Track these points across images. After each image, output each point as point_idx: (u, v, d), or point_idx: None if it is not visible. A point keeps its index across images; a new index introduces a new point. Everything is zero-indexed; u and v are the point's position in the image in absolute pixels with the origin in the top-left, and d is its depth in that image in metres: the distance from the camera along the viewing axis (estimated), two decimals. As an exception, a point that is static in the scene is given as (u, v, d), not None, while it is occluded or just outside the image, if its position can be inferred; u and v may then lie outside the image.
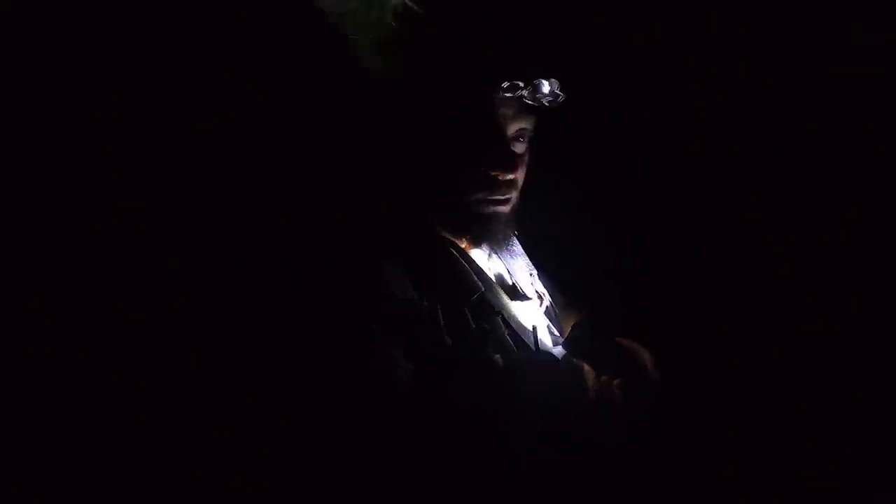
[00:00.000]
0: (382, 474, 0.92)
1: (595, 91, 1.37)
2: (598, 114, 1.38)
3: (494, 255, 1.15)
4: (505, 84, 0.98)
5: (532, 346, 1.05)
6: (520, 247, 1.22)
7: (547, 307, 1.18)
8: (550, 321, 1.17)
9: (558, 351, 1.09)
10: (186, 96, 1.28)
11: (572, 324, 1.12)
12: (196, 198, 1.26)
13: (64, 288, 1.22)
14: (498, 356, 1.00)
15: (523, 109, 1.03)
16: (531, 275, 1.20)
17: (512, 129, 1.04)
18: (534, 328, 1.06)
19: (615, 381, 1.01)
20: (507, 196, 1.06)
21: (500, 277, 1.14)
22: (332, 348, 0.94)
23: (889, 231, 1.40)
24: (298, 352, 0.95)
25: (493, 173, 1.03)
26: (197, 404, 1.16)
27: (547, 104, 1.03)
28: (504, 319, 1.05)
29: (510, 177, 1.04)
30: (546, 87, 1.01)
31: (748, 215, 1.39)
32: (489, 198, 1.05)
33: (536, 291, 1.18)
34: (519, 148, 1.06)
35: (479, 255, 1.12)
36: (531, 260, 1.22)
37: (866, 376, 1.37)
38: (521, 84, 0.99)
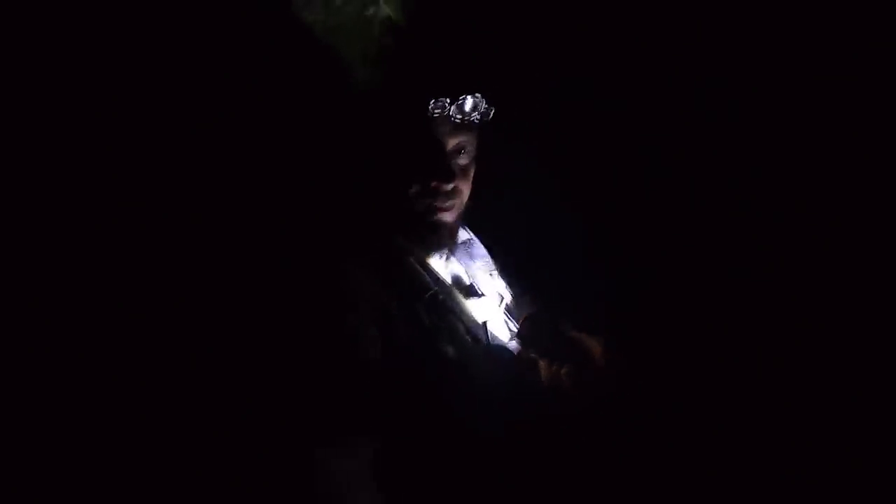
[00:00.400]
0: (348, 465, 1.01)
1: (553, 95, 1.46)
2: (554, 115, 1.46)
3: (452, 258, 1.24)
4: (432, 102, 1.09)
5: (484, 339, 1.14)
6: (480, 248, 1.31)
7: (507, 305, 1.26)
8: (510, 317, 1.25)
9: (513, 345, 1.18)
10: (168, 103, 1.34)
11: (522, 318, 1.20)
12: (172, 201, 1.33)
13: (59, 287, 1.28)
14: (452, 349, 1.10)
15: (459, 126, 1.13)
16: (491, 274, 1.29)
17: (451, 143, 1.14)
18: (484, 323, 1.15)
19: (563, 370, 1.10)
20: (449, 203, 1.16)
21: (457, 278, 1.23)
22: (302, 338, 1.05)
23: (886, 231, 1.44)
24: (271, 341, 1.06)
25: (433, 185, 1.13)
26: (175, 401, 1.24)
27: (478, 120, 1.14)
28: (458, 317, 1.14)
29: (448, 187, 1.14)
30: (469, 104, 1.12)
31: (698, 204, 1.45)
32: (433, 205, 1.15)
33: (497, 291, 1.27)
34: (461, 160, 1.16)
35: (437, 259, 1.21)
36: (493, 260, 1.31)
37: (840, 371, 1.41)
38: (448, 101, 1.10)
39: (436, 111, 1.10)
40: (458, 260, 1.26)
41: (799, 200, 1.45)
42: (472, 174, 1.19)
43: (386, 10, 1.18)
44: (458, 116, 1.12)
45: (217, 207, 1.35)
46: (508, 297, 1.28)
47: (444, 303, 1.14)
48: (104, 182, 1.32)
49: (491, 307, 1.21)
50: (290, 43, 1.26)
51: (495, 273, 1.29)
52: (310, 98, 1.28)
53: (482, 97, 1.13)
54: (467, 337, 1.13)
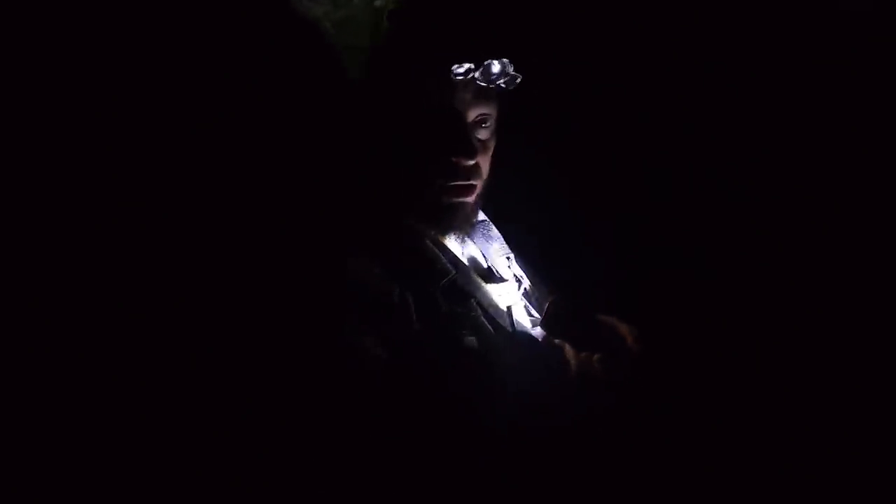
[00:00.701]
0: (360, 463, 0.91)
1: (569, 73, 1.38)
2: (569, 95, 1.38)
3: (468, 240, 1.15)
4: (455, 67, 0.98)
5: (508, 326, 1.05)
6: (496, 231, 1.22)
7: (525, 290, 1.18)
8: (529, 303, 1.17)
9: (538, 332, 1.09)
10: (165, 99, 1.26)
11: (547, 304, 1.12)
12: (170, 197, 1.24)
13: (57, 287, 1.19)
14: (472, 338, 1.00)
15: (482, 94, 1.03)
16: (508, 258, 1.20)
17: (472, 114, 1.03)
18: (509, 308, 1.06)
19: (595, 357, 1.02)
20: (470, 183, 1.05)
21: (474, 261, 1.14)
22: (300, 339, 0.94)
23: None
24: (268, 343, 0.95)
25: (452, 160, 1.02)
26: (175, 399, 1.15)
27: (504, 86, 1.03)
28: (478, 302, 1.05)
29: (470, 162, 1.03)
30: (497, 66, 1.00)
31: (725, 197, 1.38)
32: (450, 184, 1.04)
33: (514, 275, 1.18)
34: (482, 134, 1.05)
35: (452, 241, 1.11)
36: (508, 244, 1.22)
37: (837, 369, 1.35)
38: (472, 66, 0.99)
39: (458, 75, 0.99)
40: (475, 242, 1.17)
41: (826, 197, 1.39)
42: (492, 149, 1.09)
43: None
44: (483, 82, 1.01)
45: (213, 191, 1.25)
46: (527, 282, 1.19)
47: (464, 288, 1.04)
48: (102, 180, 1.23)
49: (512, 292, 1.13)
50: (297, 36, 1.18)
51: (512, 257, 1.21)
52: (317, 89, 1.19)
53: (510, 62, 1.01)
54: (488, 324, 1.04)
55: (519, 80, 1.03)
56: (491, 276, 1.14)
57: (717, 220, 1.38)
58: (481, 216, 1.20)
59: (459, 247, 1.12)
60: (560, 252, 1.32)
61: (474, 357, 1.00)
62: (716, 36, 1.40)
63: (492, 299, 1.07)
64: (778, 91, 1.41)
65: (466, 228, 1.11)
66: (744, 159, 1.37)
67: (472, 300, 1.04)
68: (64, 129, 1.22)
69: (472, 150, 1.02)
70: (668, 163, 1.39)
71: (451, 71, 0.98)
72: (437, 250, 1.06)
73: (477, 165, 1.05)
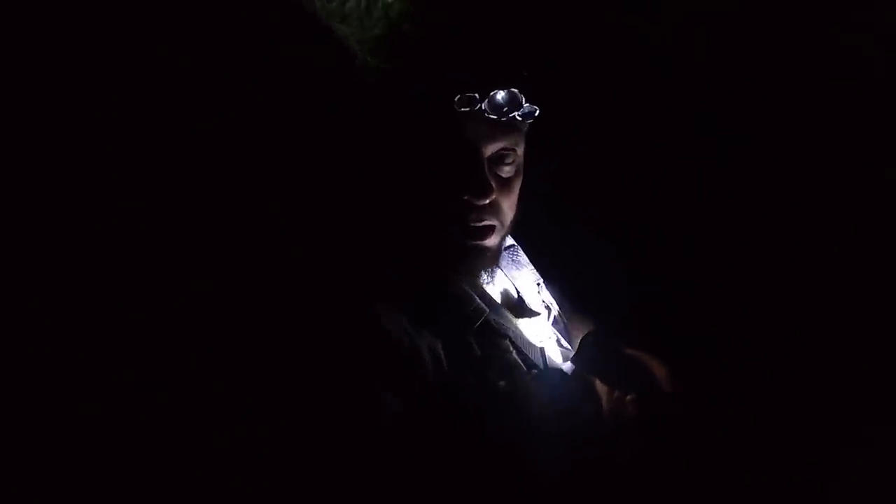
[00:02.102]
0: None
1: (594, 90, 1.32)
2: (598, 114, 1.32)
3: (497, 270, 1.09)
4: (458, 98, 0.90)
5: (541, 365, 1.00)
6: (524, 256, 1.17)
7: (555, 318, 1.13)
8: (559, 333, 1.12)
9: (568, 367, 1.05)
10: (175, 98, 1.21)
11: (581, 336, 1.07)
12: (179, 214, 1.21)
13: (63, 288, 1.17)
14: (503, 382, 0.95)
15: (499, 127, 0.94)
16: (538, 285, 1.15)
17: (490, 149, 0.95)
18: (541, 349, 1.01)
19: (628, 397, 0.97)
20: (487, 223, 0.96)
21: (505, 294, 1.09)
22: (325, 394, 0.88)
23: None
24: (285, 398, 0.90)
25: (465, 199, 0.94)
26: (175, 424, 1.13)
27: (520, 118, 0.95)
28: (512, 340, 0.99)
29: (483, 202, 0.94)
30: (502, 96, 0.92)
31: (762, 215, 1.32)
32: (468, 226, 0.95)
33: (543, 302, 1.14)
34: (504, 171, 0.97)
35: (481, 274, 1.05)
36: (536, 268, 1.17)
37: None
38: (477, 96, 0.91)
39: (463, 107, 0.90)
40: (504, 270, 1.11)
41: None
42: (517, 188, 0.99)
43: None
44: (493, 114, 0.92)
45: (244, 236, 1.21)
46: (556, 309, 1.15)
47: (497, 327, 0.98)
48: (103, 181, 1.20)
49: (544, 326, 1.08)
50: (292, 36, 1.12)
51: (541, 283, 1.16)
52: (317, 102, 1.13)
53: (520, 91, 0.92)
54: (522, 363, 0.99)
55: (538, 112, 0.95)
56: (522, 309, 1.08)
57: (761, 251, 1.31)
58: (508, 241, 1.14)
59: (490, 280, 1.06)
60: (590, 277, 1.26)
61: (509, 401, 0.94)
62: (733, 48, 1.33)
63: (524, 336, 1.02)
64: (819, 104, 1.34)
65: (490, 267, 1.04)
66: (787, 187, 1.30)
67: (506, 340, 0.98)
68: (66, 129, 1.19)
69: (485, 188, 0.93)
70: (705, 184, 1.33)
71: (454, 103, 0.90)
72: (467, 289, 0.99)
73: (494, 204, 0.96)
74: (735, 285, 1.33)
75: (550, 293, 1.17)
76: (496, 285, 1.08)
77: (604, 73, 1.28)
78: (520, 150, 0.99)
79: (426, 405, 0.89)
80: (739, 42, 1.29)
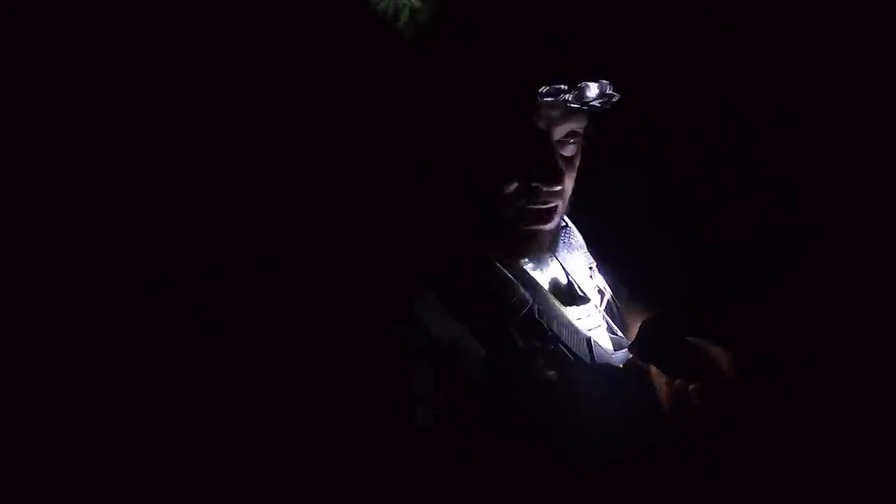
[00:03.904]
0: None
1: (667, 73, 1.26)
2: (666, 96, 1.25)
3: (549, 255, 1.05)
4: (544, 89, 0.86)
5: (587, 358, 0.96)
6: (578, 237, 1.12)
7: (608, 303, 1.08)
8: (612, 319, 1.07)
9: (620, 356, 1.00)
10: (208, 97, 1.21)
11: (639, 323, 1.02)
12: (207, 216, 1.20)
13: (71, 288, 1.18)
14: (553, 373, 0.91)
15: (572, 111, 0.90)
16: (591, 268, 1.10)
17: (559, 132, 0.92)
18: (589, 339, 0.97)
19: (692, 386, 0.92)
20: (551, 205, 0.94)
21: (554, 282, 1.04)
22: (359, 387, 0.86)
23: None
24: (321, 390, 0.88)
25: (534, 184, 0.91)
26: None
27: (599, 106, 0.90)
28: (555, 332, 0.95)
29: (556, 188, 0.92)
30: (593, 90, 0.88)
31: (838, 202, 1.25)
32: (531, 209, 0.93)
33: (596, 287, 1.08)
34: (568, 150, 0.94)
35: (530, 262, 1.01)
36: (590, 249, 1.12)
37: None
38: (565, 87, 0.87)
39: (546, 97, 0.86)
40: (556, 254, 1.06)
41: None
42: (577, 166, 0.96)
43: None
44: (576, 104, 0.88)
45: (254, 218, 1.21)
46: (609, 293, 1.09)
47: (542, 317, 0.94)
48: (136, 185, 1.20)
49: (594, 314, 1.03)
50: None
51: (594, 267, 1.10)
52: (360, 94, 1.11)
53: (609, 83, 0.88)
54: (568, 354, 0.95)
55: (616, 98, 0.91)
56: (572, 297, 1.04)
57: (825, 227, 1.24)
58: (562, 222, 1.09)
59: (538, 266, 1.02)
60: (646, 258, 1.21)
61: (555, 393, 0.91)
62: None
63: (572, 324, 0.97)
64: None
65: (545, 254, 1.01)
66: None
67: (550, 331, 0.94)
68: (67, 129, 1.19)
69: (558, 174, 0.91)
70: (769, 163, 1.26)
71: (538, 94, 0.86)
72: (512, 278, 0.95)
73: (561, 189, 0.94)
74: (800, 277, 1.26)
75: (604, 277, 1.11)
76: (545, 272, 1.03)
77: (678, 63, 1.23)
78: (582, 130, 0.95)
79: (465, 400, 0.86)
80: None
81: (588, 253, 1.11)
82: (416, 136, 0.99)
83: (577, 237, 1.11)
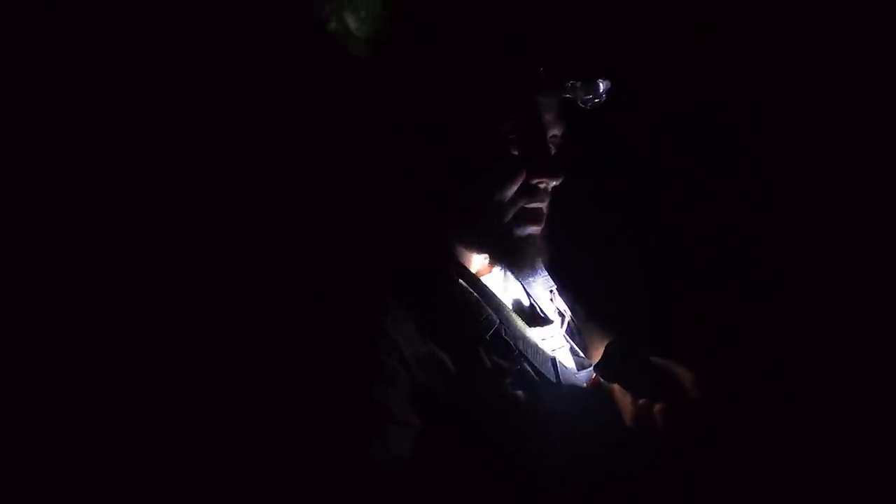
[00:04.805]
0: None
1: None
2: (618, 113, 1.27)
3: (510, 275, 1.05)
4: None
5: (552, 377, 0.96)
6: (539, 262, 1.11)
7: (568, 324, 1.09)
8: (572, 340, 1.08)
9: (583, 376, 0.99)
10: (192, 103, 1.20)
11: (600, 342, 1.01)
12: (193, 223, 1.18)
13: (67, 288, 1.16)
14: (519, 392, 0.91)
15: (561, 113, 0.94)
16: (551, 292, 1.10)
17: (552, 130, 0.94)
18: (553, 359, 0.97)
19: (656, 407, 0.91)
20: (546, 204, 0.96)
21: (516, 302, 1.05)
22: (326, 403, 0.84)
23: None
24: (294, 404, 0.85)
25: (533, 181, 0.92)
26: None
27: (588, 107, 0.93)
28: (521, 352, 0.95)
29: (554, 183, 0.94)
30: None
31: (784, 218, 1.27)
32: (526, 207, 0.94)
33: (557, 309, 1.09)
34: (554, 151, 0.96)
35: (494, 278, 1.02)
36: (550, 274, 1.12)
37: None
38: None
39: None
40: (517, 278, 1.06)
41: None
42: None
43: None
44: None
45: (249, 223, 1.19)
46: (569, 316, 1.09)
47: (507, 337, 0.94)
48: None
49: (556, 335, 1.04)
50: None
51: (555, 289, 1.10)
52: (326, 86, 1.09)
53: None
54: (533, 374, 0.95)
55: (602, 101, 0.94)
56: (535, 318, 1.04)
57: (781, 254, 1.25)
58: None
59: (502, 286, 1.03)
60: (606, 280, 1.21)
61: (520, 412, 0.91)
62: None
63: (536, 347, 0.97)
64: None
65: (534, 265, 1.03)
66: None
67: (516, 351, 0.94)
68: (68, 129, 1.17)
69: (558, 167, 0.93)
70: (730, 183, 1.27)
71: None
72: (478, 297, 0.95)
73: (556, 187, 0.96)
74: (757, 288, 1.27)
75: (563, 300, 1.11)
76: (508, 291, 1.04)
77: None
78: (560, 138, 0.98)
79: (433, 418, 0.85)
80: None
81: (548, 276, 1.11)
82: (405, 144, 0.98)
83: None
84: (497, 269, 1.03)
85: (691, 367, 0.95)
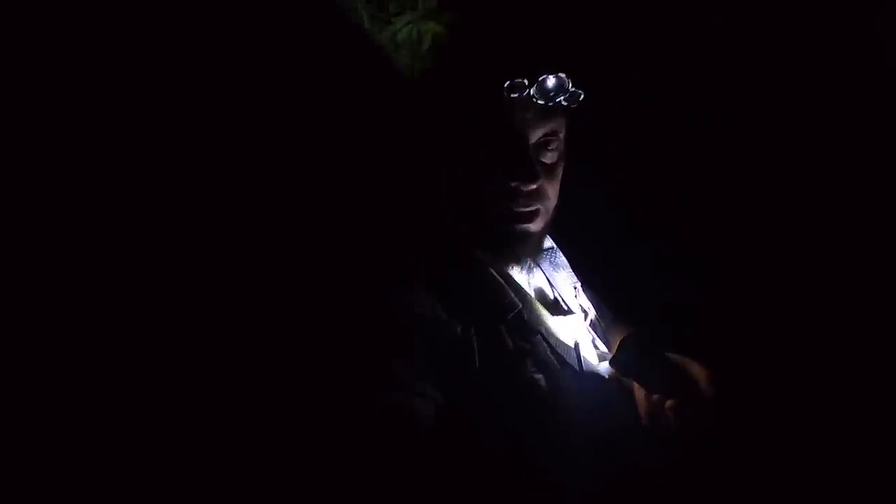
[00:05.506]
0: None
1: (634, 88, 1.30)
2: (644, 117, 1.30)
3: (536, 268, 1.09)
4: (507, 83, 0.90)
5: (575, 364, 0.99)
6: (563, 258, 1.16)
7: (592, 321, 1.11)
8: (596, 335, 1.10)
9: (604, 368, 1.03)
10: (210, 101, 1.25)
11: (620, 340, 1.05)
12: (218, 211, 1.22)
13: (66, 288, 1.18)
14: (540, 376, 0.94)
15: (544, 113, 0.94)
16: (575, 288, 1.14)
17: (534, 135, 0.95)
18: (576, 345, 1.00)
19: (668, 403, 0.94)
20: (533, 208, 0.96)
21: (540, 292, 1.08)
22: (351, 378, 0.87)
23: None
24: (313, 384, 0.89)
25: (512, 185, 0.94)
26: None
27: (566, 103, 0.94)
28: (544, 337, 0.98)
29: (531, 187, 0.94)
30: (552, 81, 0.91)
31: (807, 222, 1.28)
32: (513, 211, 0.95)
33: (580, 306, 1.12)
34: (547, 157, 0.97)
35: (518, 271, 1.05)
36: (575, 272, 1.16)
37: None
38: (525, 82, 0.91)
39: (512, 93, 0.91)
40: (543, 271, 1.11)
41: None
42: (560, 173, 1.00)
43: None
44: (541, 100, 0.92)
45: (253, 214, 1.23)
46: (593, 313, 1.13)
47: (530, 322, 0.97)
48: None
49: (579, 326, 1.06)
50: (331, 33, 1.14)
51: (579, 286, 1.14)
52: (360, 90, 1.14)
53: (567, 76, 0.92)
54: (555, 360, 0.97)
55: (581, 96, 0.95)
56: (557, 308, 1.07)
57: (803, 257, 1.27)
58: (548, 243, 1.13)
59: (526, 277, 1.05)
60: (628, 280, 1.24)
61: (541, 395, 0.93)
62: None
63: (558, 334, 1.00)
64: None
65: (534, 257, 1.05)
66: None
67: (538, 335, 0.97)
68: (70, 129, 1.20)
69: (532, 173, 0.94)
70: (750, 184, 1.29)
71: (504, 89, 0.91)
72: (502, 282, 0.99)
73: (540, 190, 0.96)
74: (773, 292, 1.29)
75: (588, 298, 1.15)
76: (532, 282, 1.07)
77: (652, 63, 1.26)
78: (562, 135, 0.99)
79: (456, 395, 0.88)
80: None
81: (573, 273, 1.15)
82: (405, 140, 1.03)
83: (562, 258, 1.15)
84: (521, 266, 1.05)
85: (706, 366, 0.99)
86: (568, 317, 1.05)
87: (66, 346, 1.16)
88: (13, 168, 1.18)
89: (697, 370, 0.98)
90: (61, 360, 1.16)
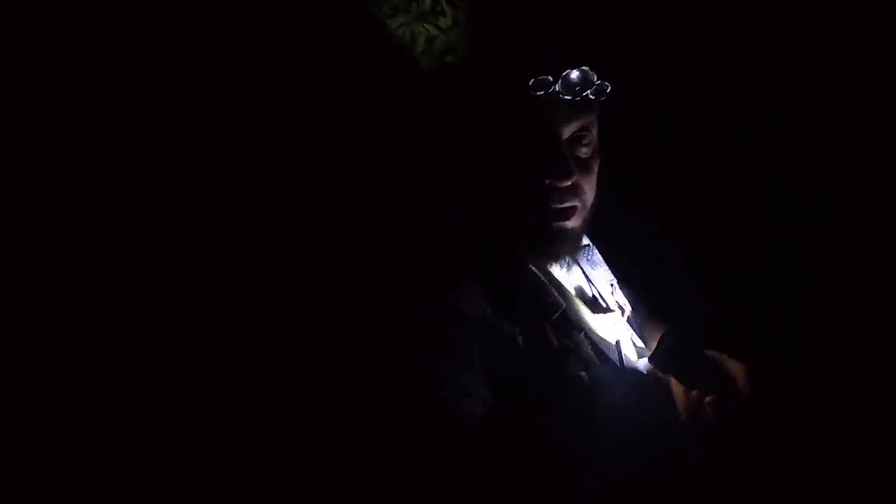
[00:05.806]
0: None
1: (669, 81, 1.30)
2: (671, 106, 1.30)
3: (574, 266, 1.10)
4: (531, 81, 0.91)
5: (616, 361, 1.00)
6: (599, 256, 1.17)
7: (629, 318, 1.12)
8: (634, 333, 1.11)
9: (643, 365, 1.04)
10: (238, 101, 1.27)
11: (657, 336, 1.06)
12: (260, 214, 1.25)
13: (67, 288, 1.20)
14: (584, 373, 0.95)
15: (576, 109, 0.95)
16: (612, 285, 1.15)
17: (567, 130, 0.96)
18: (617, 342, 1.01)
19: (707, 399, 0.95)
20: (569, 205, 0.97)
21: (580, 289, 1.09)
22: (400, 377, 0.88)
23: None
24: (362, 383, 0.91)
25: (547, 182, 0.95)
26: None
27: (593, 97, 0.95)
28: (586, 335, 0.99)
29: (566, 183, 0.95)
30: (576, 75, 0.92)
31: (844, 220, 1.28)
32: (550, 208, 0.96)
33: (617, 303, 1.13)
34: (583, 151, 0.98)
35: (558, 269, 1.06)
36: (611, 269, 1.17)
37: None
38: (550, 79, 0.91)
39: (538, 90, 0.91)
40: (581, 267, 1.12)
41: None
42: (595, 168, 1.01)
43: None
44: (567, 95, 0.92)
45: (300, 213, 1.25)
46: (629, 310, 1.14)
47: (573, 320, 0.98)
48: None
49: (618, 323, 1.07)
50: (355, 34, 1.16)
51: (615, 284, 1.15)
52: (415, 119, 1.15)
53: (591, 69, 0.92)
54: (596, 358, 0.98)
55: (609, 89, 0.95)
56: (597, 306, 1.08)
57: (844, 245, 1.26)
58: (584, 240, 1.14)
59: (566, 274, 1.07)
60: (663, 277, 1.25)
61: (584, 392, 0.94)
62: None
63: (598, 331, 1.01)
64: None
65: (573, 254, 1.06)
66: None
67: (581, 333, 0.99)
68: (71, 130, 1.21)
69: (567, 170, 0.94)
70: (786, 177, 1.29)
71: (529, 87, 0.91)
72: (545, 280, 1.00)
73: (576, 186, 0.97)
74: (812, 290, 1.29)
75: (625, 295, 1.16)
76: (572, 280, 1.08)
77: (681, 57, 1.26)
78: (594, 131, 0.99)
79: (503, 394, 0.90)
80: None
81: (609, 270, 1.16)
82: (440, 141, 1.04)
83: (597, 255, 1.16)
84: (560, 264, 1.07)
85: (744, 363, 1.00)
86: (608, 314, 1.06)
87: (74, 344, 1.18)
88: (13, 168, 1.19)
89: (735, 366, 0.98)
90: (65, 360, 1.17)
